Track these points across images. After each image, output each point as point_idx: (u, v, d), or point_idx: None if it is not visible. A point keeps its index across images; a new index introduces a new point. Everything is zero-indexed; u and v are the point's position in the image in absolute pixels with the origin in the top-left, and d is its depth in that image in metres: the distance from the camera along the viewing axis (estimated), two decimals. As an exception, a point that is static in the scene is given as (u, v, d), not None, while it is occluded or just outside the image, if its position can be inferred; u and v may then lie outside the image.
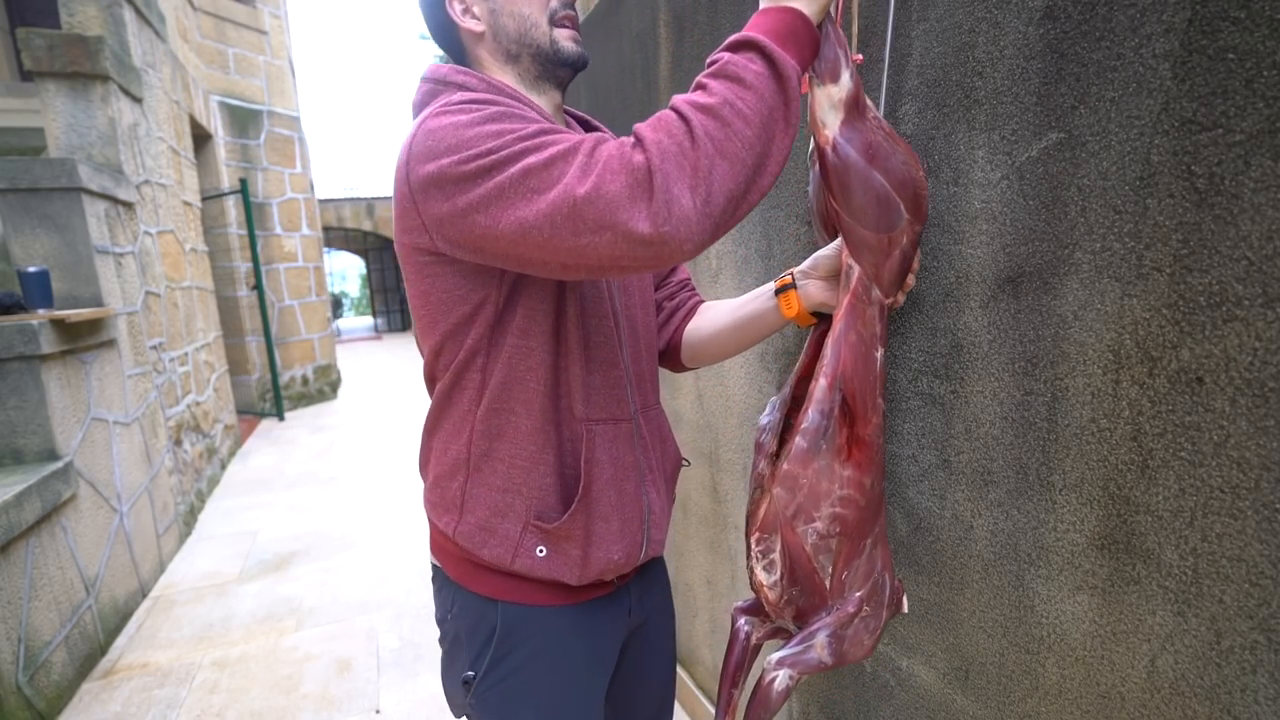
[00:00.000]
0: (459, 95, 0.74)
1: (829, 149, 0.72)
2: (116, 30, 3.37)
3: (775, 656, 0.87)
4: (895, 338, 0.91)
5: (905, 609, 0.94)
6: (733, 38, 0.65)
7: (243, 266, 6.01)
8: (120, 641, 2.50)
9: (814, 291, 0.88)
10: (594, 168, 0.61)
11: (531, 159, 0.63)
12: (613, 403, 0.85)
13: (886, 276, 0.78)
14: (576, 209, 0.60)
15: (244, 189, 5.61)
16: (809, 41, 0.66)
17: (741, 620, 1.00)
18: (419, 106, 0.82)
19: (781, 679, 0.86)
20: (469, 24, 0.81)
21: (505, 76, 0.83)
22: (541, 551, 0.84)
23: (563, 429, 0.83)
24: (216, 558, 3.24)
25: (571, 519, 0.82)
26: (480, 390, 0.81)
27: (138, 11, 3.66)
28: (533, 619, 0.86)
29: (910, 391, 0.90)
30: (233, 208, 5.89)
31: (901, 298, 0.84)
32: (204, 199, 5.36)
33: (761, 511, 0.85)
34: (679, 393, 1.68)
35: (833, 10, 0.74)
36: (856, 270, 0.78)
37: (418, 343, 0.86)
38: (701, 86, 0.63)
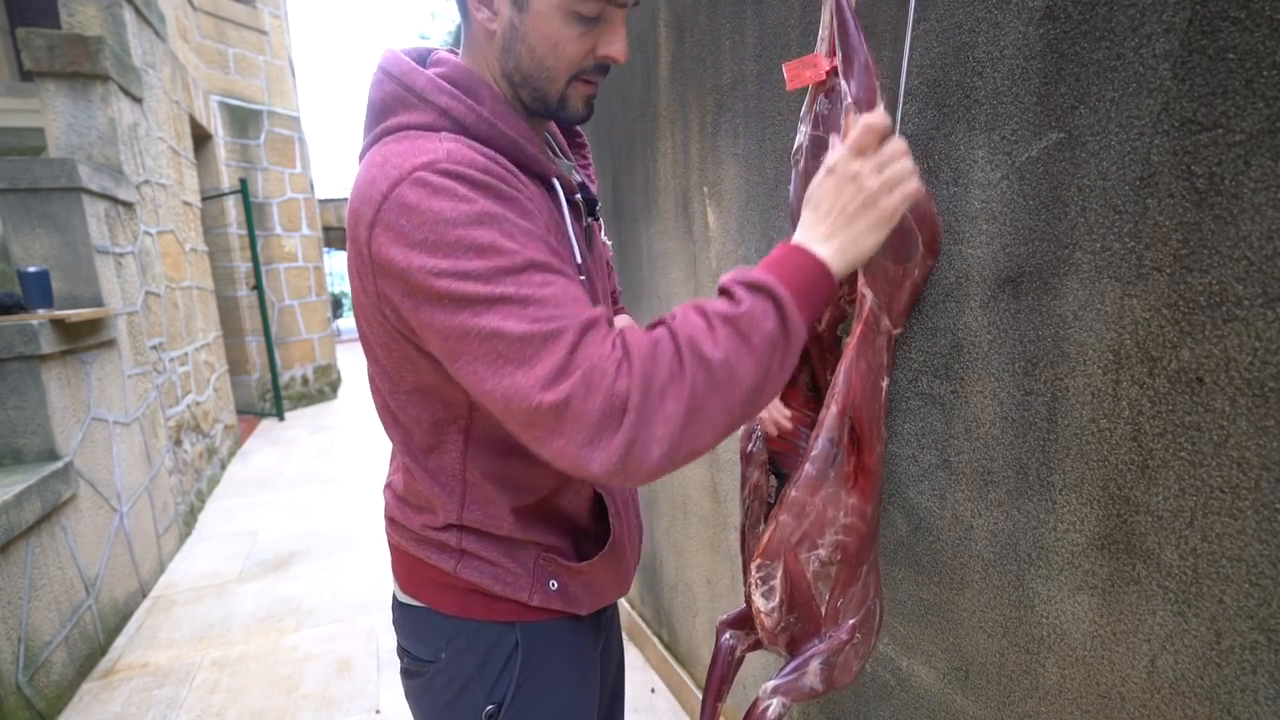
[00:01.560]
0: (442, 152, 0.61)
1: None
2: (116, 30, 3.37)
3: (769, 685, 0.88)
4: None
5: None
6: (759, 275, 0.61)
7: (243, 266, 6.01)
8: (120, 641, 2.50)
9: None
10: (571, 373, 0.55)
11: (508, 322, 0.56)
12: None
13: (897, 307, 0.80)
14: (536, 411, 0.55)
15: (244, 189, 5.61)
16: (825, 300, 0.63)
17: (726, 635, 1.01)
18: (379, 111, 0.69)
19: (775, 707, 0.87)
20: (481, 13, 0.68)
21: (498, 86, 0.72)
22: (554, 585, 0.81)
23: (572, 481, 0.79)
24: (216, 558, 3.24)
25: (599, 562, 0.81)
26: (465, 445, 0.74)
27: (138, 11, 3.66)
28: (550, 632, 0.82)
29: (910, 391, 0.90)
30: (233, 208, 5.89)
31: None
32: (204, 199, 5.36)
33: (765, 538, 0.84)
34: (679, 393, 1.68)
35: (850, 10, 0.74)
36: (870, 299, 0.79)
37: (370, 372, 0.77)
38: (710, 325, 0.59)
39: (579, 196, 0.77)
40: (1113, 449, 0.64)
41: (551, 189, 0.73)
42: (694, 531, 1.71)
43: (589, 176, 0.85)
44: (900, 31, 0.85)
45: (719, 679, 1.01)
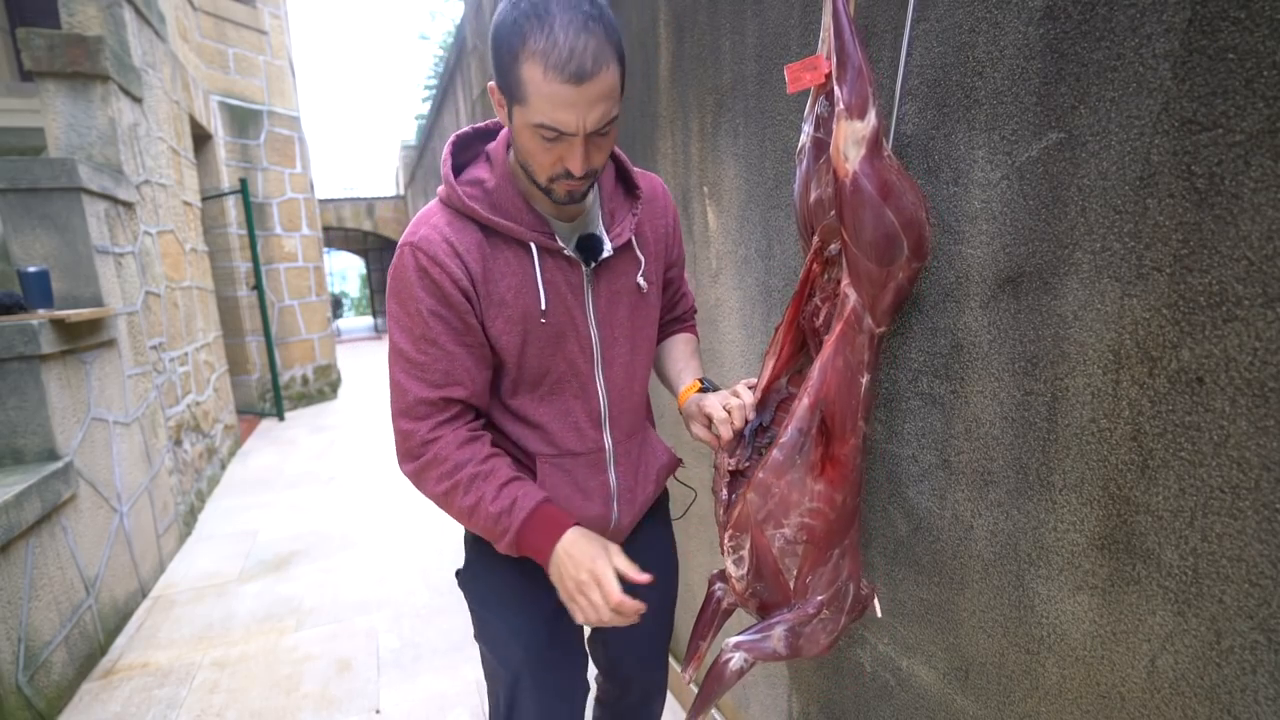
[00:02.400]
0: (421, 234, 0.91)
1: (848, 181, 0.75)
2: (116, 30, 3.37)
3: (733, 640, 0.94)
4: (895, 338, 0.91)
5: (878, 613, 1.00)
6: (521, 522, 0.92)
7: (243, 266, 6.01)
8: (120, 641, 2.50)
9: (694, 412, 1.05)
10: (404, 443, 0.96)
11: (401, 375, 0.94)
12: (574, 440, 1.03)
13: (881, 307, 0.82)
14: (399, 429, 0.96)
15: (244, 189, 5.61)
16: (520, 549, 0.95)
17: (716, 585, 1.11)
18: (441, 180, 0.96)
19: (737, 660, 0.95)
20: (499, 112, 0.87)
21: (510, 159, 0.93)
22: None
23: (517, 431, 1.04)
24: (216, 558, 3.24)
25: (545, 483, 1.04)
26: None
27: (138, 11, 3.66)
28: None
29: (910, 391, 0.90)
30: (233, 208, 5.89)
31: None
32: (204, 199, 5.36)
33: (736, 511, 0.92)
34: (679, 393, 1.68)
35: (847, 14, 0.74)
36: (852, 299, 0.81)
37: None
38: (468, 489, 0.93)
39: (568, 250, 0.94)
40: (1113, 449, 0.64)
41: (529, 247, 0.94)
42: (694, 531, 1.71)
43: (629, 224, 1.00)
44: (901, 30, 0.85)
45: (705, 623, 1.10)
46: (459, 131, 0.99)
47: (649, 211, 1.05)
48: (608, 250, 0.97)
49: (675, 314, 1.22)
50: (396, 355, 0.94)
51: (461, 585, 1.13)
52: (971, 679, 0.86)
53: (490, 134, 1.00)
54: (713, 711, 1.70)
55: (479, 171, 0.94)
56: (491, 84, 0.84)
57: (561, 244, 0.93)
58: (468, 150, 0.99)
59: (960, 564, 0.85)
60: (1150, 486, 0.62)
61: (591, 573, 0.87)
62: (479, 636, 1.12)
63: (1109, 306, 0.63)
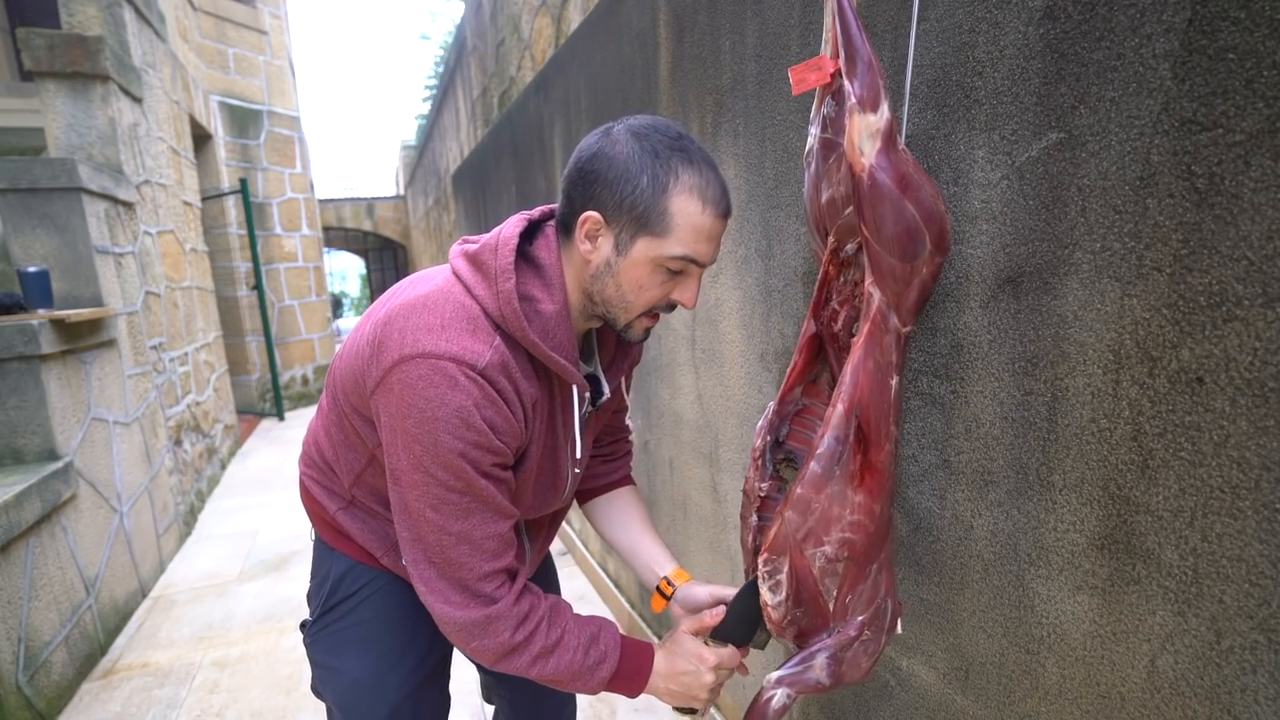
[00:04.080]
0: (489, 416, 0.77)
1: (865, 176, 0.73)
2: (116, 30, 3.37)
3: (774, 675, 0.88)
4: (895, 338, 0.91)
5: (900, 630, 0.94)
6: (614, 662, 0.89)
7: (243, 266, 6.01)
8: (120, 641, 2.50)
9: (677, 612, 1.04)
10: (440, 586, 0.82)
11: (448, 546, 0.80)
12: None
13: (906, 305, 0.79)
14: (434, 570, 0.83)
15: (244, 189, 5.61)
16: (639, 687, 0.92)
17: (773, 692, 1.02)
18: (461, 281, 0.82)
19: (779, 698, 0.88)
20: (584, 245, 0.81)
21: (573, 295, 0.85)
22: (407, 561, 0.95)
23: None
24: (216, 558, 3.24)
25: None
26: (372, 465, 0.93)
27: (138, 11, 3.66)
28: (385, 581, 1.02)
29: (910, 391, 0.90)
30: (233, 208, 5.89)
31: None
32: (204, 199, 5.35)
33: (772, 534, 0.85)
34: (679, 393, 1.68)
35: (852, 9, 0.74)
36: (877, 298, 0.78)
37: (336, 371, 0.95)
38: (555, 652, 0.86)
39: (588, 394, 0.91)
40: (1113, 449, 0.64)
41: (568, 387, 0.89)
42: (694, 532, 1.71)
43: (620, 372, 1.00)
44: (901, 30, 0.85)
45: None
46: (526, 215, 0.87)
47: (626, 349, 1.01)
48: (606, 393, 0.96)
49: (615, 458, 1.18)
50: (437, 525, 0.79)
51: (311, 638, 1.02)
52: (971, 679, 0.86)
53: (536, 224, 0.89)
54: (712, 711, 1.70)
55: (531, 287, 0.82)
56: (594, 214, 0.78)
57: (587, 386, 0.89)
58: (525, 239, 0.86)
59: (960, 564, 0.85)
60: (1150, 486, 0.62)
61: (699, 658, 0.91)
62: (332, 690, 1.00)
63: (1109, 306, 0.63)
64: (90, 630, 2.33)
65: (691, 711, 0.96)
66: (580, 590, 2.66)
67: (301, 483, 1.05)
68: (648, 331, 0.87)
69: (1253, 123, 0.51)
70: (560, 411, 0.90)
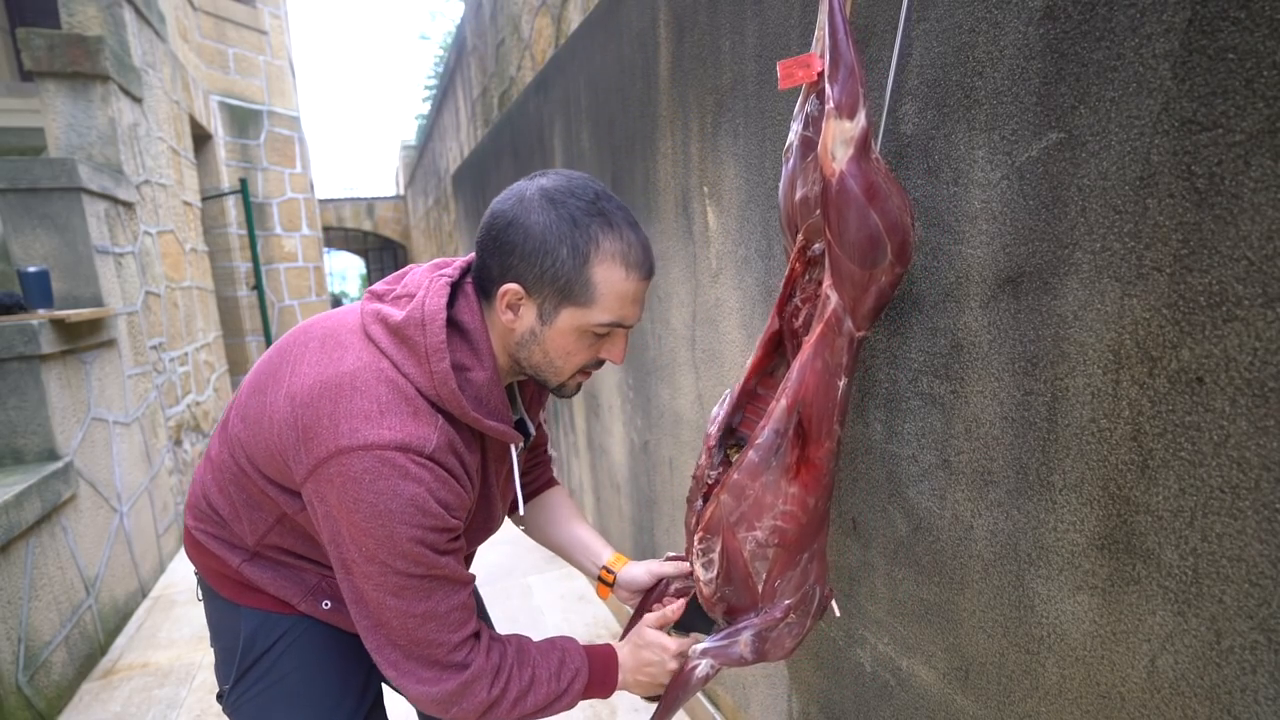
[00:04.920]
0: (444, 497, 0.75)
1: (834, 181, 0.75)
2: (116, 30, 3.37)
3: (700, 647, 0.95)
4: (895, 337, 0.91)
5: (837, 612, 1.02)
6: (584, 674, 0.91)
7: (243, 266, 6.01)
8: (120, 641, 2.50)
9: (623, 596, 1.08)
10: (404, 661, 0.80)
11: (414, 629, 0.78)
12: None
13: (862, 310, 0.81)
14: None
15: (244, 189, 5.61)
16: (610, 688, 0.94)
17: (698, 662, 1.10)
18: (385, 355, 0.77)
19: (703, 667, 0.95)
20: (506, 315, 0.79)
21: (494, 346, 0.82)
22: (327, 605, 0.93)
23: None
24: (216, 558, 3.23)
25: None
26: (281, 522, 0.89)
27: (138, 11, 3.66)
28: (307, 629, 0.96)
29: (910, 391, 0.90)
30: (233, 208, 5.89)
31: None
32: (204, 199, 5.35)
33: (707, 514, 0.91)
34: (679, 393, 1.68)
35: (842, 14, 0.75)
36: (834, 301, 0.80)
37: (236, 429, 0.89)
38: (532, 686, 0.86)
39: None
40: (1113, 449, 0.64)
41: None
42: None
43: (540, 407, 1.03)
44: (903, 31, 0.85)
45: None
46: (446, 277, 0.81)
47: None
48: (533, 433, 0.97)
49: (536, 466, 1.18)
50: (400, 610, 0.76)
51: (233, 708, 0.94)
52: (971, 679, 0.86)
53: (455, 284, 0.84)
54: (712, 710, 1.70)
55: (460, 355, 0.79)
56: (515, 286, 0.76)
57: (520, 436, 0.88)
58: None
59: (960, 564, 0.85)
60: (1150, 486, 0.62)
61: (662, 648, 0.95)
62: None
63: (1109, 306, 0.63)
64: (90, 630, 2.33)
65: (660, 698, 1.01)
66: (580, 590, 2.66)
67: (191, 537, 0.96)
68: (580, 387, 0.88)
69: (1253, 123, 0.51)
70: (494, 463, 0.90)
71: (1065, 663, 0.72)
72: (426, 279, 0.81)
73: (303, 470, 0.76)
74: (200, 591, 0.99)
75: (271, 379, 0.82)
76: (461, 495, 0.78)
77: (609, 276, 0.76)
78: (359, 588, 0.77)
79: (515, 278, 0.76)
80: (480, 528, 0.94)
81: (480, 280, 0.81)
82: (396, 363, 0.76)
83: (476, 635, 0.85)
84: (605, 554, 1.09)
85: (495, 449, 0.89)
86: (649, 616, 0.98)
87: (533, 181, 0.78)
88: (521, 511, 1.00)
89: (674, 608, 0.99)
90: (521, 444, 0.89)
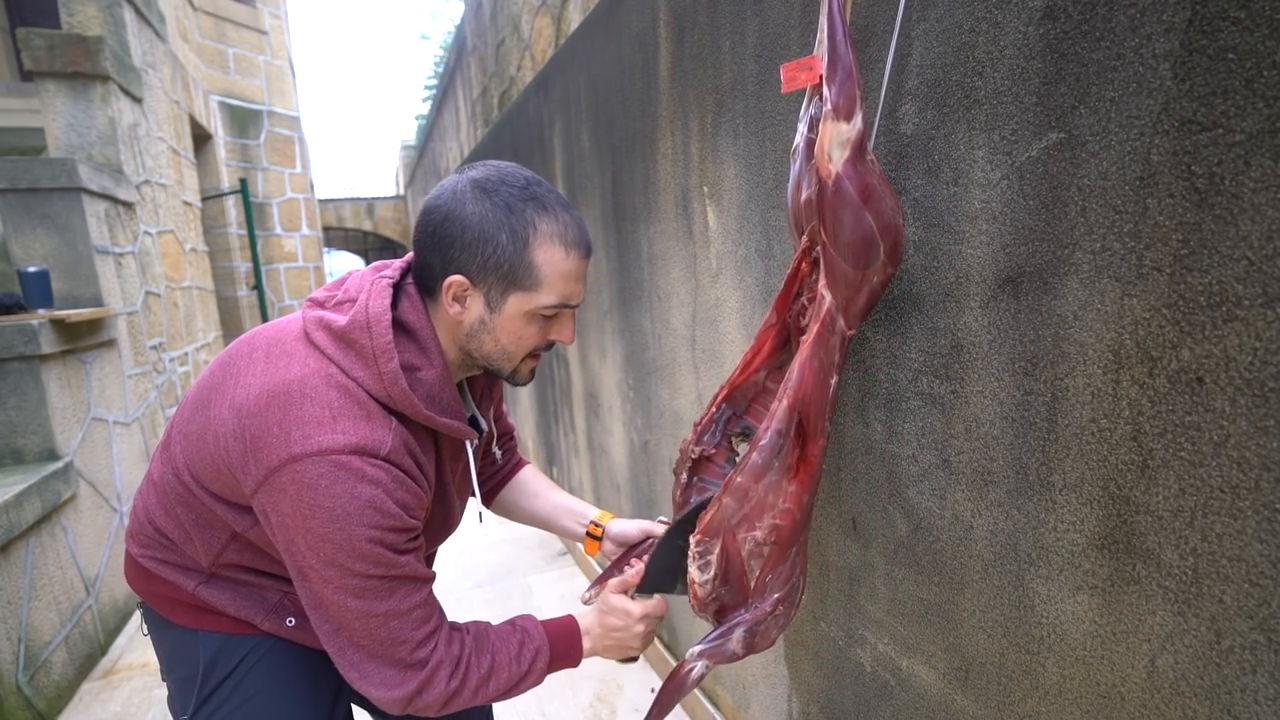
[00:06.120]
0: (400, 497, 0.76)
1: (830, 182, 0.76)
2: (116, 30, 3.37)
3: (695, 649, 0.96)
4: (895, 338, 0.91)
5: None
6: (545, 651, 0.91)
7: (243, 266, 6.02)
8: (120, 641, 2.50)
9: (609, 549, 1.12)
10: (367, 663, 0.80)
11: (378, 629, 0.78)
12: None
13: (854, 309, 0.83)
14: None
15: (244, 189, 5.61)
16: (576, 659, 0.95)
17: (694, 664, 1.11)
18: (330, 361, 0.77)
19: (698, 669, 0.97)
20: (453, 308, 0.80)
21: (442, 342, 0.83)
22: (291, 622, 0.91)
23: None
24: (216, 558, 3.23)
25: None
26: (234, 539, 0.86)
27: (138, 11, 3.66)
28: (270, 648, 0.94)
29: (910, 391, 0.90)
30: (233, 208, 5.89)
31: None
32: (204, 199, 5.36)
33: (708, 518, 0.92)
34: (679, 393, 1.68)
35: (840, 15, 0.75)
36: (828, 300, 0.82)
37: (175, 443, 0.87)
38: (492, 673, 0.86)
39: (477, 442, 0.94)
40: (1113, 449, 0.64)
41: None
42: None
43: (492, 403, 1.04)
44: (903, 30, 0.85)
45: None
46: (388, 279, 0.82)
47: (493, 381, 1.02)
48: (485, 428, 0.98)
49: (505, 445, 1.17)
50: (362, 612, 0.76)
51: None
52: (971, 679, 0.86)
53: (397, 285, 0.84)
54: (712, 710, 1.70)
55: (409, 356, 0.79)
56: (459, 278, 0.76)
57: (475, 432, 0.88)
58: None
59: (960, 564, 0.85)
60: (1150, 486, 0.62)
61: (627, 613, 0.96)
62: None
63: (1109, 306, 0.63)
64: (90, 630, 2.33)
65: (632, 660, 1.03)
66: (580, 590, 2.65)
67: (136, 565, 0.92)
68: (533, 372, 0.89)
69: (1253, 123, 0.51)
70: (449, 460, 0.90)
71: (1065, 663, 0.72)
72: (367, 282, 0.81)
73: (252, 481, 0.75)
74: (145, 625, 0.95)
75: (214, 393, 0.81)
76: (419, 495, 0.79)
77: (550, 257, 0.77)
78: (318, 592, 0.76)
79: (458, 269, 0.77)
80: (439, 526, 0.94)
81: (422, 278, 0.82)
82: (344, 367, 0.76)
83: (437, 631, 0.84)
84: (592, 512, 1.14)
85: (450, 447, 0.89)
86: (612, 582, 1.00)
87: (462, 175, 0.79)
88: (482, 521, 1.02)
89: (634, 572, 1.01)
90: (476, 440, 0.90)
